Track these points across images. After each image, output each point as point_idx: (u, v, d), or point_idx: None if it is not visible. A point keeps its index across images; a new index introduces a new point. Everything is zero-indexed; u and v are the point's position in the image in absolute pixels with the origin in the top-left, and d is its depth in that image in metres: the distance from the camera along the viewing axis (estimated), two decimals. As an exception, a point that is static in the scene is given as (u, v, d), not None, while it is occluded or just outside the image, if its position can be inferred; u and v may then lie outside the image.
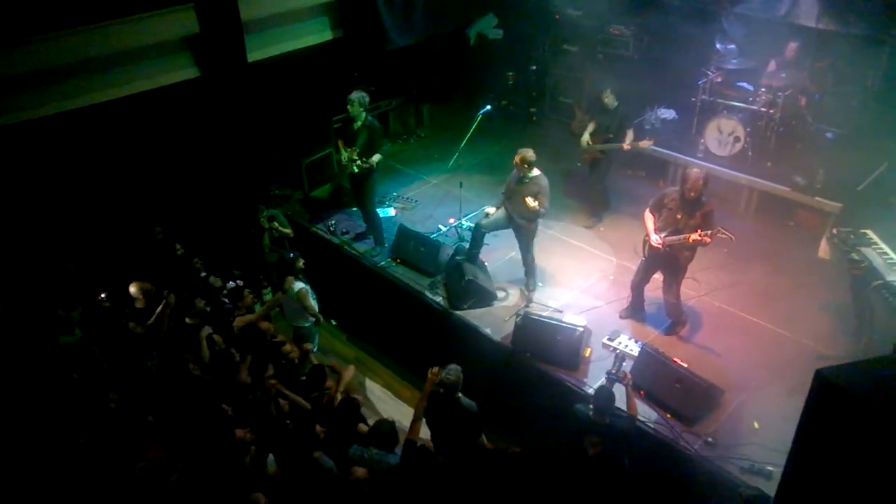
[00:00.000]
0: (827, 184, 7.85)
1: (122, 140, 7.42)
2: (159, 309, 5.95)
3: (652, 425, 5.70)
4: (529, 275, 7.19)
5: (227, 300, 6.67)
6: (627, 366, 6.02)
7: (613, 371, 5.60)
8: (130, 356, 5.75)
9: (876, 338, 5.80)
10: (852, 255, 6.22)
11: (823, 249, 7.65)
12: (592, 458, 4.99)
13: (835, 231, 6.76)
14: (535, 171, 6.67)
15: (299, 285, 6.76)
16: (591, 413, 5.21)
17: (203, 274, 6.89)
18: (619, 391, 5.47)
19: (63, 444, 4.81)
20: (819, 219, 7.89)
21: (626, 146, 7.84)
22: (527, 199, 6.49)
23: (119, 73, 7.17)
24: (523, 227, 6.88)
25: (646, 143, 8.03)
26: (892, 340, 4.83)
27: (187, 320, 6.05)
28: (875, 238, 6.34)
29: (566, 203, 8.72)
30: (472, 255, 7.24)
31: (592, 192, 8.49)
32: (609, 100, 7.96)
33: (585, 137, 8.13)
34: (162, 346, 5.85)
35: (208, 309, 6.17)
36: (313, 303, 6.89)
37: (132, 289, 6.12)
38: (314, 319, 6.98)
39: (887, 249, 6.15)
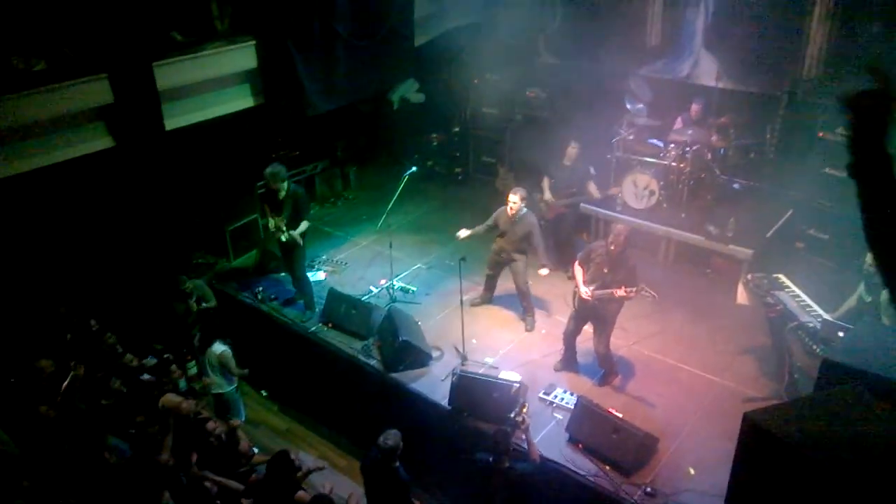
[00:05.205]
0: (738, 232, 8.19)
1: (36, 212, 7.08)
2: (66, 382, 5.57)
3: (591, 478, 5.68)
4: (528, 309, 7.55)
5: (148, 375, 6.33)
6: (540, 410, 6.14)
7: (512, 415, 5.54)
8: (43, 442, 5.31)
9: (797, 377, 6.02)
10: (767, 298, 6.46)
11: (741, 294, 7.98)
12: None
13: (749, 276, 7.04)
14: (524, 209, 7.17)
15: (220, 348, 6.52)
16: (490, 459, 5.15)
17: (119, 350, 6.54)
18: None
19: None
20: (733, 265, 8.21)
21: (595, 197, 8.08)
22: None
23: (32, 145, 6.87)
24: (519, 259, 7.39)
25: (616, 191, 8.33)
26: (812, 379, 5.02)
27: (103, 402, 5.69)
28: (787, 282, 6.60)
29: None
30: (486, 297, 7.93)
31: (562, 246, 8.52)
32: (574, 151, 8.20)
33: (548, 195, 8.36)
34: (76, 429, 5.44)
35: (125, 389, 5.82)
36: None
37: (39, 364, 5.72)
38: (235, 385, 6.74)
39: (799, 292, 6.42)
